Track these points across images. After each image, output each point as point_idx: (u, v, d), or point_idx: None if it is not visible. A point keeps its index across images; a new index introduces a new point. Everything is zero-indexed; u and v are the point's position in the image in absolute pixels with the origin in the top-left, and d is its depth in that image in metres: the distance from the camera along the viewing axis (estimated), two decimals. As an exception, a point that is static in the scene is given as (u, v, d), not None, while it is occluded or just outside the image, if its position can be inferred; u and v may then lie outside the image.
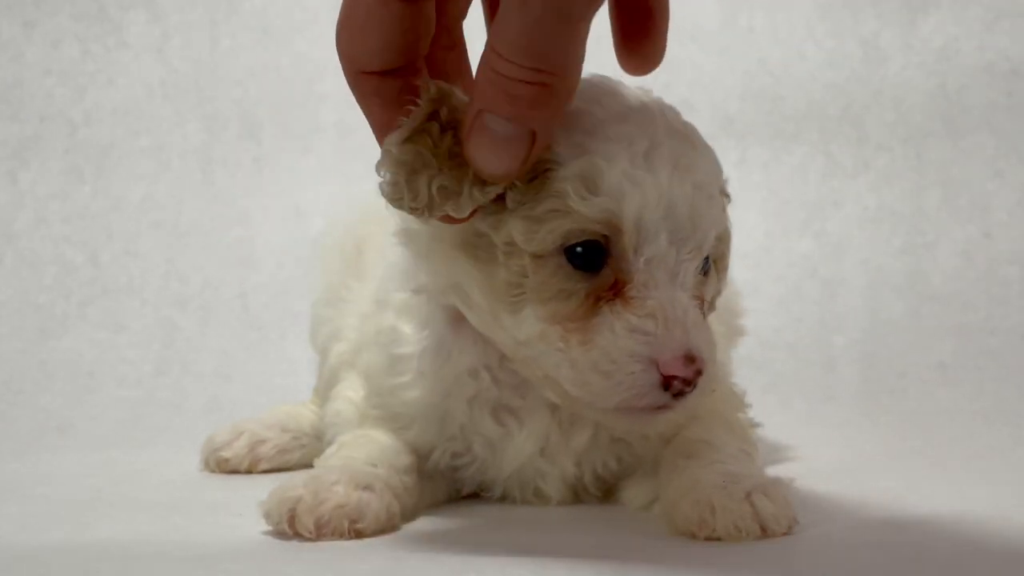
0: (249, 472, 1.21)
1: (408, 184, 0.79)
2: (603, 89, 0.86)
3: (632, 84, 0.88)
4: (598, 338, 0.80)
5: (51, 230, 1.95)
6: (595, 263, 0.82)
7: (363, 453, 0.94)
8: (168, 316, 1.90)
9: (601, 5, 0.73)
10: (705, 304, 0.88)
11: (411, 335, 0.95)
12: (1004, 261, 1.85)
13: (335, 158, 1.98)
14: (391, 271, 0.97)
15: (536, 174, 0.81)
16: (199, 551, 0.82)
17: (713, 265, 0.89)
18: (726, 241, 0.91)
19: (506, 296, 0.83)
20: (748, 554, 0.78)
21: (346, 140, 1.97)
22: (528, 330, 0.83)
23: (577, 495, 0.98)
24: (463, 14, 0.86)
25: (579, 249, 0.82)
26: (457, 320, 0.92)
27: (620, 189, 0.80)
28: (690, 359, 0.80)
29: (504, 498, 0.99)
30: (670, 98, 0.89)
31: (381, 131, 0.81)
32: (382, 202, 0.86)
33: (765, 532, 0.82)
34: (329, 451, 0.99)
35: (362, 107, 0.82)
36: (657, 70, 0.89)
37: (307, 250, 1.81)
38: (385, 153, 0.80)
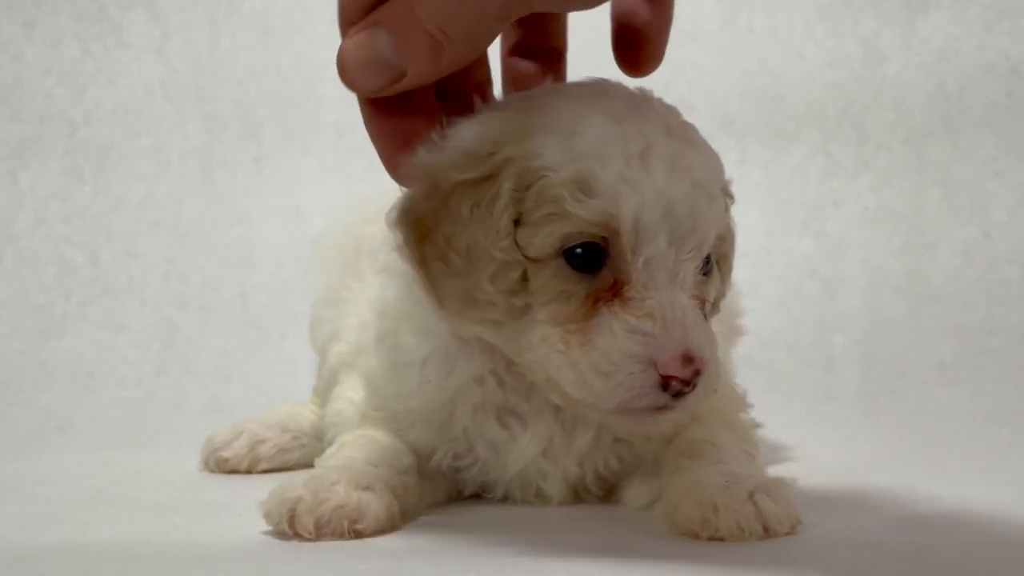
0: (249, 472, 1.21)
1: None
2: (598, 91, 0.87)
3: (631, 85, 0.88)
4: (597, 339, 0.81)
5: (51, 230, 1.95)
6: (594, 264, 0.82)
7: (363, 453, 0.94)
8: (168, 316, 1.90)
9: (514, 19, 0.82)
10: (707, 305, 0.88)
11: (413, 344, 0.94)
12: (1004, 261, 1.85)
13: (335, 158, 1.98)
14: (390, 280, 0.97)
15: (531, 181, 0.82)
16: (199, 551, 0.82)
17: (716, 265, 0.89)
18: (729, 241, 0.91)
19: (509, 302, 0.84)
20: (749, 554, 0.78)
21: (346, 140, 1.97)
22: (530, 334, 0.84)
23: (578, 495, 0.98)
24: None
25: (578, 251, 0.82)
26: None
27: (616, 191, 0.80)
28: (688, 359, 0.80)
29: (505, 499, 0.99)
30: (670, 98, 0.89)
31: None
32: (380, 203, 0.87)
33: (768, 532, 0.82)
34: (329, 451, 0.99)
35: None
36: (657, 70, 0.89)
37: (307, 250, 1.81)
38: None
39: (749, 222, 1.85)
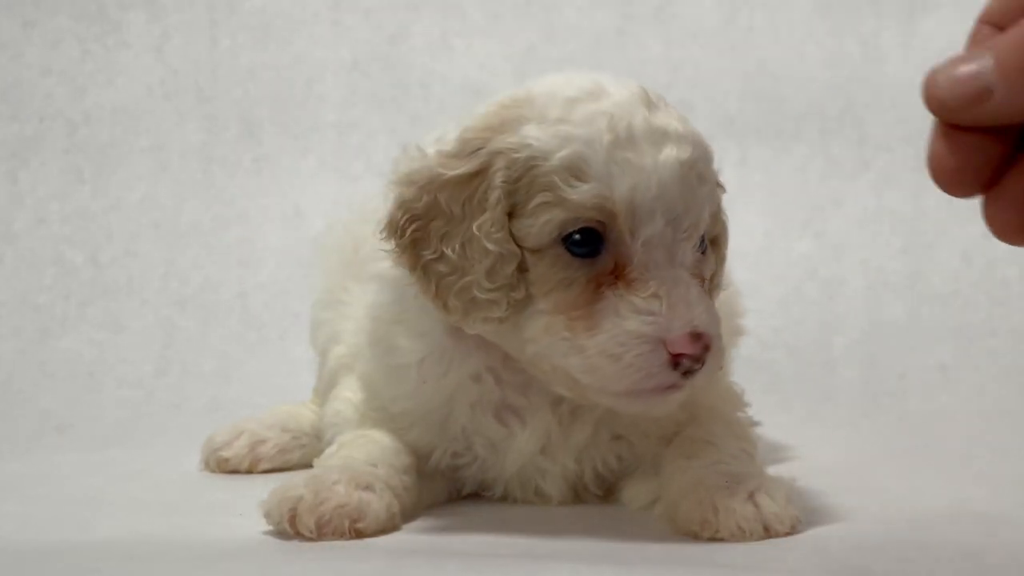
0: (249, 472, 1.20)
1: None
2: (581, 84, 0.87)
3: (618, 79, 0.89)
4: (604, 322, 0.81)
5: (51, 230, 1.95)
6: (593, 249, 0.83)
7: (363, 453, 0.94)
8: (168, 316, 1.90)
9: None
10: (705, 283, 0.88)
11: (408, 346, 0.95)
12: (1004, 262, 1.85)
13: (335, 158, 1.98)
14: (385, 283, 0.97)
15: (522, 172, 0.83)
16: (199, 551, 0.82)
17: (709, 245, 0.90)
18: (721, 221, 0.92)
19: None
20: (749, 554, 0.78)
21: (346, 140, 1.97)
22: (533, 326, 0.84)
23: (578, 494, 0.98)
24: None
25: (576, 237, 0.83)
26: (456, 328, 0.92)
27: (608, 173, 0.82)
28: (696, 336, 0.81)
29: (505, 497, 0.99)
30: (670, 98, 0.89)
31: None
32: (380, 204, 0.88)
33: (768, 532, 0.82)
34: (329, 451, 0.99)
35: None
36: (657, 70, 0.90)
37: (307, 250, 1.81)
38: None
39: (749, 222, 1.85)
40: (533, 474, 0.96)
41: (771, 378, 1.74)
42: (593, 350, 0.81)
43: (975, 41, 0.68)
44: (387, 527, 0.87)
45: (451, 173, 0.85)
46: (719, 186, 0.90)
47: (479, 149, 0.85)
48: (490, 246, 0.83)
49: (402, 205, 0.86)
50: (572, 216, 0.82)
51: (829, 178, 1.95)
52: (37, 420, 1.61)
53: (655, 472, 0.95)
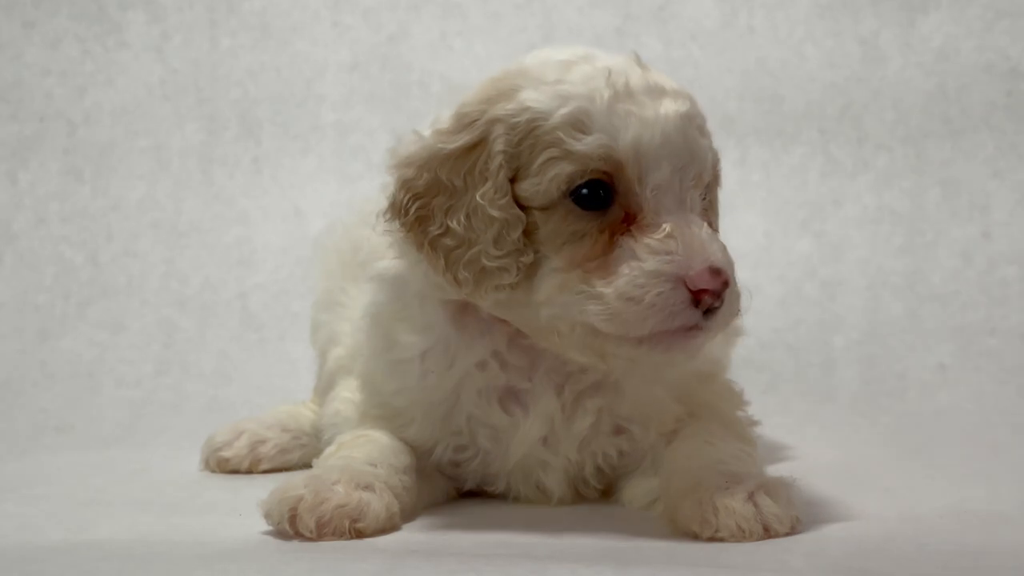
0: (250, 472, 1.21)
1: None
2: (572, 51, 0.89)
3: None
4: (622, 267, 0.82)
5: (51, 230, 1.95)
6: (603, 201, 0.84)
7: (362, 453, 0.94)
8: (168, 316, 1.90)
9: None
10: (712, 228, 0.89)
11: (410, 341, 0.95)
12: (1004, 261, 1.84)
13: (335, 158, 1.98)
14: (383, 284, 0.97)
15: (524, 134, 0.84)
16: (199, 551, 0.82)
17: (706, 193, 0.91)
18: (718, 172, 0.94)
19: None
20: (749, 554, 0.78)
21: (346, 140, 1.97)
22: (547, 286, 0.84)
23: (578, 491, 0.98)
24: None
25: (584, 191, 0.84)
26: (460, 316, 0.92)
27: (611, 124, 0.83)
28: (716, 271, 0.82)
29: (506, 494, 0.99)
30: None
31: None
32: (379, 206, 0.88)
33: (768, 532, 0.82)
34: (328, 451, 0.99)
35: None
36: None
37: (307, 250, 1.81)
38: None
39: (749, 222, 1.85)
40: (534, 467, 0.96)
41: (771, 378, 1.74)
42: (613, 295, 0.82)
43: None
44: (387, 527, 0.87)
45: (450, 147, 0.86)
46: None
47: (475, 121, 0.86)
48: (495, 213, 0.84)
49: (404, 185, 0.87)
50: (579, 169, 0.83)
51: (829, 178, 1.95)
52: (37, 420, 1.61)
53: (655, 472, 0.95)
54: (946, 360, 1.77)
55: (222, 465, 1.21)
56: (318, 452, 1.04)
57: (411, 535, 0.88)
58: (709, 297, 0.81)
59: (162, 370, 1.82)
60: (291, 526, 0.84)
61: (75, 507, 1.01)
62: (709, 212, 0.90)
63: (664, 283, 0.81)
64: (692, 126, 0.86)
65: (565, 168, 0.83)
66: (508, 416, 0.94)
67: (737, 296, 0.85)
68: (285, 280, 1.91)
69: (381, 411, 0.99)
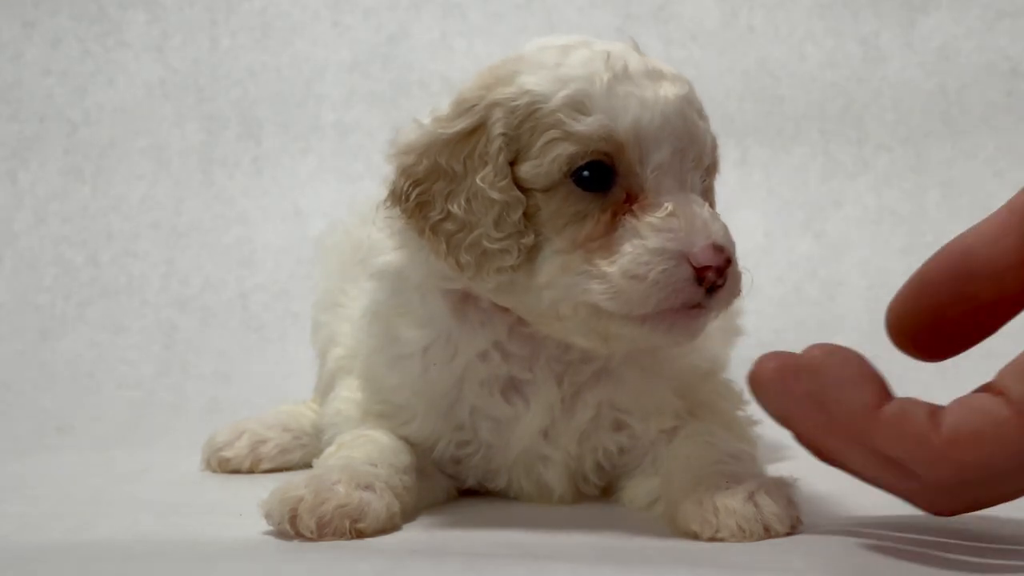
0: (250, 472, 1.20)
1: None
2: (569, 38, 0.90)
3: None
4: (625, 246, 0.83)
5: (51, 230, 1.95)
6: (604, 182, 0.85)
7: (363, 453, 0.94)
8: (168, 317, 1.90)
9: None
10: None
11: (412, 336, 0.95)
12: (1004, 261, 1.84)
13: (335, 158, 1.98)
14: (383, 282, 0.98)
15: (523, 117, 0.85)
16: (199, 551, 0.82)
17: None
18: (717, 158, 0.94)
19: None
20: (749, 554, 0.78)
21: (346, 140, 1.97)
22: (550, 268, 0.85)
23: (578, 489, 0.98)
24: None
25: (586, 173, 0.84)
26: (462, 307, 0.92)
27: (611, 104, 0.84)
28: (718, 248, 0.82)
29: (507, 490, 0.99)
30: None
31: None
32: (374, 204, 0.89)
33: (768, 532, 0.82)
34: (328, 451, 0.99)
35: None
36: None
37: (307, 250, 1.82)
38: None
39: (749, 222, 1.85)
40: (535, 461, 0.96)
41: (771, 378, 1.74)
42: (617, 274, 0.82)
43: None
44: (387, 527, 0.87)
45: (449, 132, 0.87)
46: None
47: (474, 106, 0.87)
48: (494, 195, 0.85)
49: (403, 172, 0.88)
50: (580, 150, 0.84)
51: (829, 178, 1.95)
52: (37, 421, 1.61)
53: (655, 472, 0.95)
54: (946, 361, 1.77)
55: (223, 465, 1.21)
56: (319, 452, 1.04)
57: (412, 535, 0.88)
58: (712, 274, 0.82)
59: (162, 370, 1.82)
60: (292, 526, 0.84)
61: (75, 507, 1.01)
62: (709, 196, 0.91)
63: (668, 260, 0.82)
64: (691, 109, 0.87)
65: (566, 149, 0.84)
66: (510, 407, 0.94)
67: (739, 276, 0.86)
68: (285, 280, 1.91)
69: (382, 408, 0.99)
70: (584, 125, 0.84)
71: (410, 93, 1.97)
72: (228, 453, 1.21)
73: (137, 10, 2.02)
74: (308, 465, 1.13)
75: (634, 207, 0.84)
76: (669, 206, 0.83)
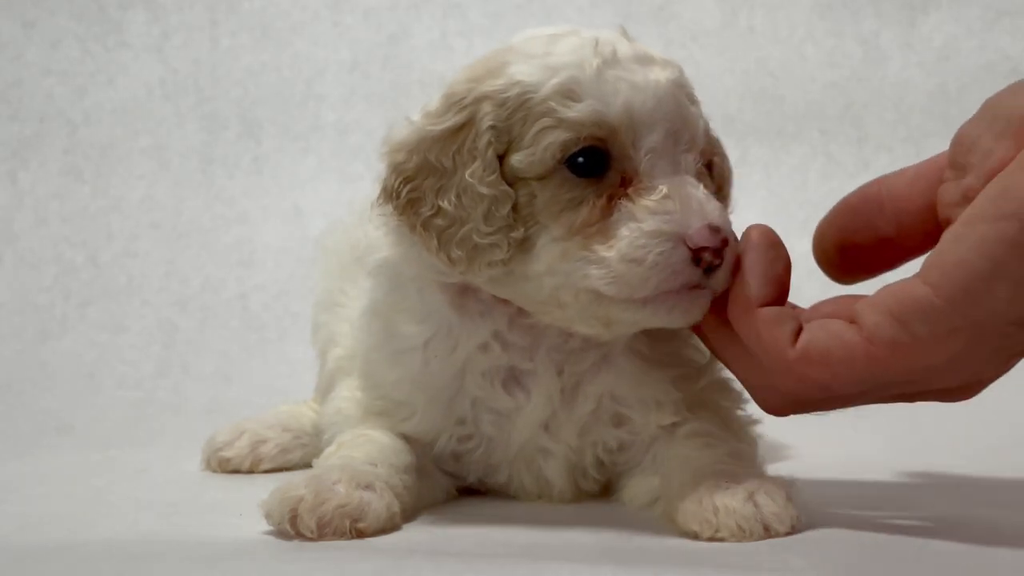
0: (251, 472, 1.20)
1: None
2: (557, 28, 0.92)
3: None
4: (622, 230, 0.83)
5: (51, 230, 1.95)
6: (598, 168, 0.85)
7: (362, 452, 0.94)
8: (168, 317, 1.90)
9: None
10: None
11: (412, 331, 0.95)
12: (1004, 261, 1.84)
13: (335, 158, 1.98)
14: (380, 279, 0.98)
15: (513, 109, 0.85)
16: (199, 551, 0.82)
17: (707, 172, 0.92)
18: (719, 148, 0.95)
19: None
20: (749, 554, 0.78)
21: (346, 140, 1.97)
22: (548, 256, 0.85)
23: (578, 485, 0.98)
24: None
25: (580, 159, 0.85)
26: (460, 300, 0.92)
27: (601, 89, 0.85)
28: (715, 229, 0.83)
29: (507, 485, 0.98)
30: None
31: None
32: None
33: (768, 532, 0.82)
34: (328, 451, 0.99)
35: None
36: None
37: (307, 250, 1.82)
38: None
39: (749, 222, 1.85)
40: (535, 455, 0.96)
41: (771, 378, 1.74)
42: (615, 258, 0.83)
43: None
44: (388, 526, 0.87)
45: (438, 128, 0.87)
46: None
47: (463, 100, 0.87)
48: (483, 190, 0.85)
49: (394, 169, 0.89)
50: (573, 136, 0.84)
51: (829, 178, 1.95)
52: (37, 420, 1.61)
53: (655, 471, 0.95)
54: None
55: (223, 465, 1.21)
56: (319, 452, 1.04)
57: (412, 535, 0.88)
58: (709, 255, 0.82)
59: (162, 370, 1.82)
60: (292, 526, 0.84)
61: (75, 507, 1.01)
62: (704, 180, 0.90)
63: (665, 242, 0.82)
64: (682, 92, 0.88)
65: (559, 136, 0.84)
66: (511, 398, 0.94)
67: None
68: (285, 280, 1.91)
69: (382, 405, 0.99)
70: (576, 111, 0.84)
71: (410, 93, 1.97)
72: (228, 453, 1.21)
73: (137, 10, 2.02)
74: (308, 465, 1.13)
75: (629, 191, 0.84)
76: (664, 188, 0.84)
